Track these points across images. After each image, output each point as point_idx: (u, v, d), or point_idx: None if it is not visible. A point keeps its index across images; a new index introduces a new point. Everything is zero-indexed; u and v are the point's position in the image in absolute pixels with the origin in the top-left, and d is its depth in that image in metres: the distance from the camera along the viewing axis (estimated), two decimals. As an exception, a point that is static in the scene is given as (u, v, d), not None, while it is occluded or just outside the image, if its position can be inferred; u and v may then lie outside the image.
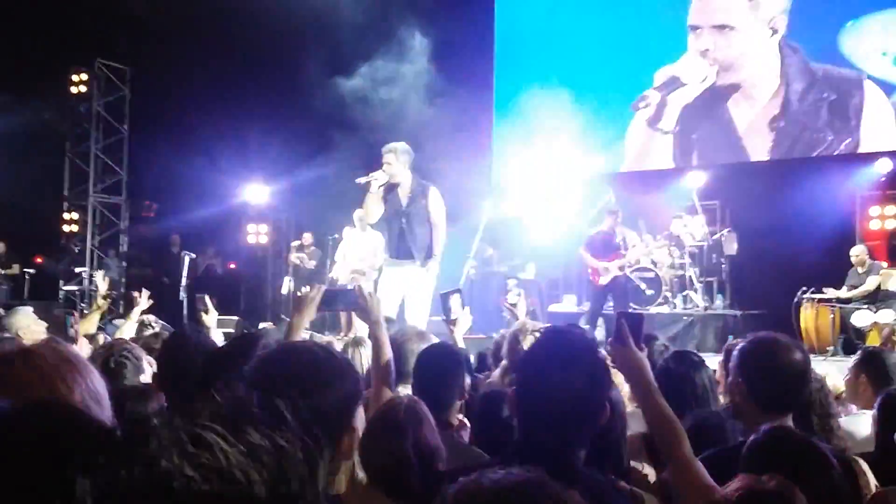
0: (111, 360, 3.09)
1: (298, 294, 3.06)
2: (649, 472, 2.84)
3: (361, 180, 6.67)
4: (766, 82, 11.11)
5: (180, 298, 11.09)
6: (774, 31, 10.95)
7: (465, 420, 3.19)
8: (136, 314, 5.14)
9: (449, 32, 11.12)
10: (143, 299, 5.23)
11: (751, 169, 11.37)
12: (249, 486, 0.50)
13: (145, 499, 0.48)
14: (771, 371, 2.39)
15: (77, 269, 14.50)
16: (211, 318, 4.26)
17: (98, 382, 1.30)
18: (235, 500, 0.49)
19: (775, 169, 11.19)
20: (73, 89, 14.88)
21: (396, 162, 6.63)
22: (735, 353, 2.55)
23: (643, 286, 10.26)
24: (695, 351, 3.96)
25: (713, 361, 3.98)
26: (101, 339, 4.99)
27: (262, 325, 7.18)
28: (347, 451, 1.54)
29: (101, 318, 5.92)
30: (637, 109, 12.06)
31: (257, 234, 14.69)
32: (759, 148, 11.26)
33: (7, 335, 4.36)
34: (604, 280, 9.46)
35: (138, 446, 0.50)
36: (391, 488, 2.21)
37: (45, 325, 4.93)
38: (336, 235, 11.11)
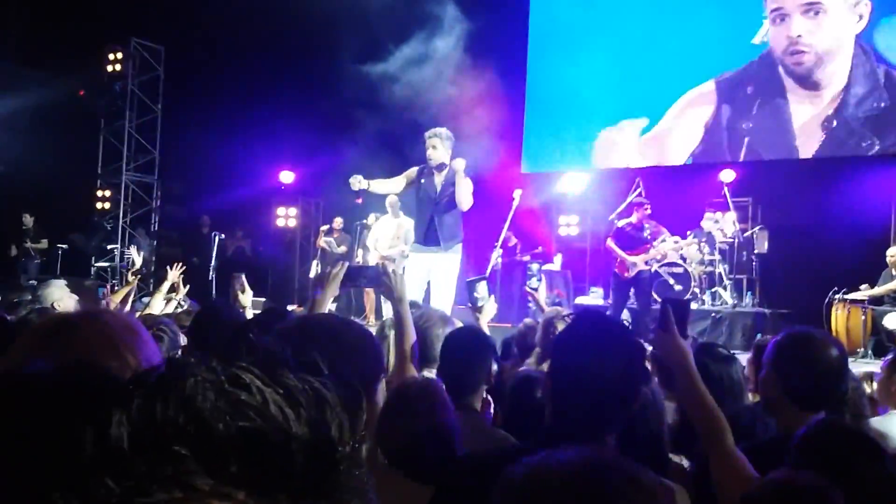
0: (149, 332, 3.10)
1: (320, 272, 3.03)
2: (682, 463, 2.82)
3: (354, 182, 6.59)
4: (835, 80, 10.87)
5: (209, 279, 11.22)
6: (860, 18, 10.69)
7: (490, 399, 3.17)
8: (165, 288, 5.19)
9: (482, 18, 11.06)
10: (175, 274, 5.28)
11: (784, 167, 11.22)
12: (287, 426, 0.49)
13: (182, 435, 0.47)
14: (806, 366, 2.34)
15: (109, 247, 14.68)
16: (247, 297, 4.29)
17: (155, 352, 1.30)
18: (273, 438, 0.48)
19: (810, 167, 11.03)
20: (109, 68, 15.05)
21: (441, 146, 6.60)
22: (769, 347, 2.50)
23: (672, 281, 10.17)
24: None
25: (741, 359, 3.93)
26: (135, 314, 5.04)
27: (290, 308, 7.19)
28: (368, 425, 1.52)
29: (130, 295, 5.99)
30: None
31: (286, 218, 14.76)
32: (806, 147, 11.08)
33: (41, 306, 4.43)
34: (630, 273, 9.39)
35: (174, 384, 0.49)
36: (407, 469, 2.20)
37: (77, 297, 5.01)
38: (364, 221, 11.14)
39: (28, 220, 13.71)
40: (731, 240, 10.85)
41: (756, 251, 10.74)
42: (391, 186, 6.92)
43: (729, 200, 10.88)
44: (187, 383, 0.50)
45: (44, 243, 13.82)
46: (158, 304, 4.94)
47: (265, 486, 0.48)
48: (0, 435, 0.56)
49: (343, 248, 12.20)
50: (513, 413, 3.01)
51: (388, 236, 10.23)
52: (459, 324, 3.52)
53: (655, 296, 9.58)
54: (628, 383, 1.75)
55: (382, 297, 9.76)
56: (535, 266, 11.55)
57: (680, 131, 11.97)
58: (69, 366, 0.75)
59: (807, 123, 11.01)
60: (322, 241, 12.43)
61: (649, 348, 3.64)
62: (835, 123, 10.80)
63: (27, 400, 0.61)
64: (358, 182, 6.49)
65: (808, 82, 11.03)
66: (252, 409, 0.49)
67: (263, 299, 11.59)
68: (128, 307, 5.36)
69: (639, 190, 11.27)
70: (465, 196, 6.59)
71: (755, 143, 11.41)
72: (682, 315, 2.19)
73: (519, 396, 3.04)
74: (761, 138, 11.36)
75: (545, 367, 3.60)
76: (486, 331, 3.59)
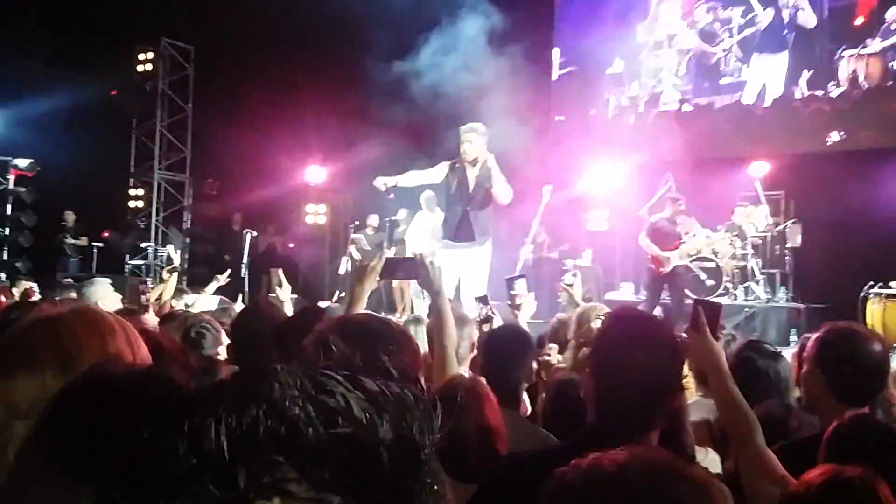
0: (192, 330, 3.17)
1: (359, 264, 3.03)
2: (715, 457, 2.82)
3: (379, 184, 6.65)
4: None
5: (241, 276, 11.33)
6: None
7: (525, 396, 3.18)
8: (211, 289, 5.27)
9: (508, 10, 11.03)
10: (223, 278, 5.40)
11: (817, 159, 11.09)
12: (375, 430, 0.50)
13: (279, 442, 0.48)
14: (851, 361, 2.34)
15: (143, 244, 14.89)
16: (284, 292, 4.34)
17: (138, 346, 1.24)
18: (363, 443, 0.49)
19: (843, 159, 10.89)
20: (139, 68, 15.22)
21: (477, 142, 6.59)
22: (812, 342, 2.49)
23: (703, 276, 10.09)
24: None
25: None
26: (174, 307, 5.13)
27: (329, 303, 7.25)
28: None
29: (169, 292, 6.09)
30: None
31: (316, 215, 14.85)
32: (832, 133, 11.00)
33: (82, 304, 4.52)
34: (665, 269, 9.34)
35: (263, 392, 0.50)
36: (451, 467, 2.20)
37: (120, 296, 5.10)
38: (393, 217, 11.19)
39: (70, 217, 13.96)
40: (764, 234, 10.74)
41: (789, 245, 10.62)
42: (424, 178, 6.90)
43: (761, 194, 10.77)
44: (275, 391, 0.51)
45: (83, 240, 14.08)
46: (205, 304, 5.02)
47: (357, 490, 0.49)
48: (101, 440, 0.57)
49: (378, 243, 12.24)
50: (554, 414, 3.01)
51: (424, 231, 10.28)
52: (473, 321, 3.53)
53: (688, 292, 9.53)
54: (671, 381, 1.75)
55: (414, 294, 9.82)
56: (569, 262, 11.52)
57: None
58: (143, 371, 0.77)
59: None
60: (352, 238, 12.48)
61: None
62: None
63: (123, 406, 0.61)
64: (383, 184, 6.54)
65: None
66: (341, 416, 0.50)
67: (295, 296, 11.68)
68: (167, 305, 5.45)
69: (669, 184, 11.20)
70: (504, 190, 6.60)
71: (781, 136, 11.33)
72: (713, 316, 2.18)
73: (560, 398, 3.05)
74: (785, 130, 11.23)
75: (580, 357, 3.62)
76: (526, 327, 3.60)
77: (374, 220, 12.58)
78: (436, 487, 0.54)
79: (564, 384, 3.03)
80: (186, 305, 5.38)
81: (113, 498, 0.49)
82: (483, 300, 4.02)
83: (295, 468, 0.48)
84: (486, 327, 3.84)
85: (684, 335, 2.26)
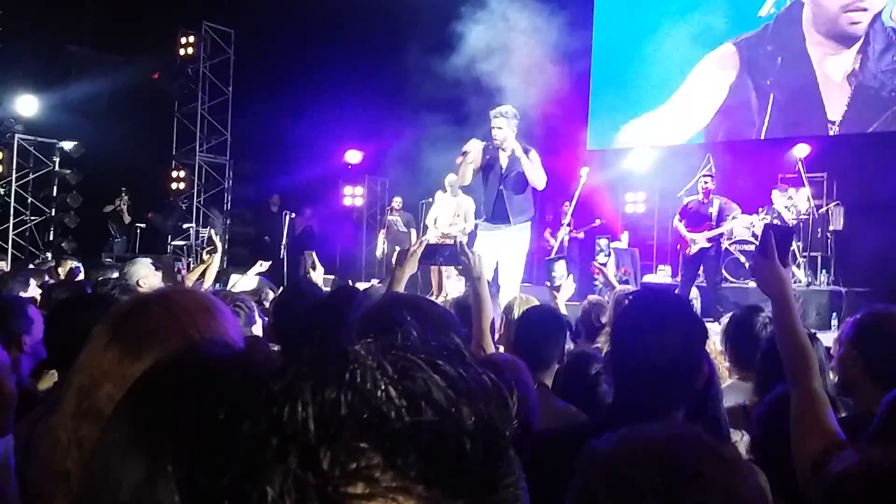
0: (227, 308, 3.23)
1: (401, 249, 3.07)
2: (747, 438, 2.81)
3: (459, 160, 6.67)
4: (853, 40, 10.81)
5: (280, 257, 11.48)
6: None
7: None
8: (253, 271, 5.38)
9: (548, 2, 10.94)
10: (266, 264, 5.51)
11: (860, 140, 10.87)
12: (458, 416, 0.48)
13: (361, 425, 0.47)
14: (890, 343, 2.31)
15: (184, 226, 15.14)
16: (318, 274, 4.40)
17: (236, 330, 1.26)
18: (446, 429, 0.48)
19: (886, 140, 10.66)
20: (181, 51, 15.39)
21: (507, 126, 6.60)
22: (849, 324, 2.47)
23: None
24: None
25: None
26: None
27: (371, 283, 7.33)
28: None
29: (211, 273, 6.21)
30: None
31: (353, 196, 14.95)
32: (835, 105, 10.89)
33: (128, 284, 4.63)
34: (691, 251, 9.24)
35: (344, 374, 0.49)
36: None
37: (161, 275, 5.22)
38: (429, 199, 11.22)
39: (125, 198, 14.36)
40: (806, 216, 10.58)
41: (831, 228, 10.45)
42: (471, 173, 6.90)
43: (803, 176, 10.60)
44: (357, 373, 0.49)
45: (127, 219, 14.43)
46: (245, 284, 5.12)
47: (441, 479, 0.47)
48: (185, 419, 0.55)
49: (409, 227, 12.31)
50: (568, 389, 3.04)
51: (447, 214, 10.29)
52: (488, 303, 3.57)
53: (726, 273, 9.43)
54: (689, 361, 1.74)
55: (445, 276, 9.86)
56: (603, 241, 11.47)
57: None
58: (238, 351, 0.76)
59: (829, 79, 10.93)
60: (388, 220, 12.56)
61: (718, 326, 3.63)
62: (861, 77, 10.67)
63: (211, 384, 0.59)
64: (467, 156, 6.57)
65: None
66: (424, 401, 0.49)
67: (332, 277, 11.82)
68: (207, 284, 5.55)
69: (708, 166, 11.07)
70: (535, 175, 6.58)
71: (792, 111, 11.19)
72: (784, 242, 2.08)
73: (574, 373, 3.07)
74: (795, 105, 11.20)
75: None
76: (564, 310, 3.62)
77: (397, 202, 12.61)
78: (515, 475, 0.52)
79: (578, 356, 3.06)
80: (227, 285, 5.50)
81: (193, 479, 0.49)
82: (549, 265, 4.06)
83: (380, 455, 0.47)
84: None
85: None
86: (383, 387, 0.48)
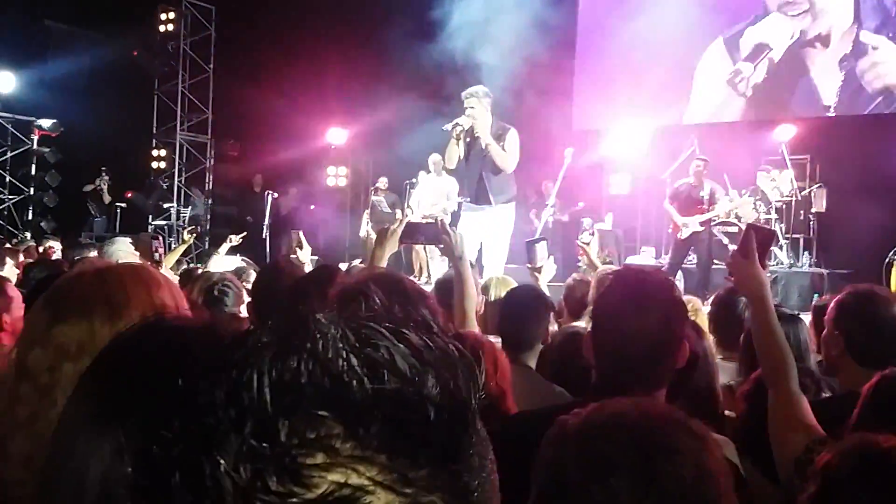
0: (214, 288, 3.21)
1: (381, 228, 3.03)
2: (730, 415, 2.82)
3: (447, 127, 6.62)
4: (840, 22, 10.85)
5: (263, 237, 11.41)
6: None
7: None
8: (224, 249, 5.31)
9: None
10: (236, 239, 5.42)
11: (843, 123, 10.92)
12: (421, 386, 0.47)
13: (324, 396, 0.46)
14: (870, 323, 2.32)
15: (165, 205, 15.01)
16: (305, 253, 4.36)
17: (182, 300, 1.29)
18: (409, 399, 0.47)
19: (870, 123, 10.72)
20: (161, 28, 15.20)
21: (479, 105, 6.57)
22: (832, 305, 2.48)
23: (726, 241, 10.02)
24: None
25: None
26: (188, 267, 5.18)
27: (353, 263, 7.30)
28: None
29: (186, 253, 6.14)
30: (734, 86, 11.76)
31: (336, 177, 14.87)
32: (828, 89, 10.94)
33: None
34: (683, 235, 9.27)
35: (306, 343, 0.48)
36: None
37: (139, 254, 5.16)
38: (413, 180, 11.17)
39: (105, 177, 14.22)
40: (789, 198, 10.63)
41: (814, 210, 10.51)
42: (456, 153, 6.85)
43: (786, 158, 10.63)
44: (319, 342, 0.48)
45: (107, 199, 14.29)
46: (217, 264, 5.06)
47: (404, 449, 0.46)
48: (144, 390, 0.54)
49: (392, 207, 12.27)
50: (559, 370, 3.03)
51: (430, 195, 10.25)
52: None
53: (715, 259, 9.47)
54: (670, 340, 1.73)
55: (429, 257, 9.85)
56: (587, 221, 11.48)
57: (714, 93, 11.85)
58: (195, 322, 0.75)
59: (825, 64, 11.02)
60: (372, 200, 12.51)
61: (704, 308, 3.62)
62: (853, 61, 10.74)
63: (169, 355, 0.58)
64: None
65: (814, 37, 11.08)
66: (386, 370, 0.47)
67: (316, 257, 11.76)
68: (165, 266, 5.48)
69: (693, 148, 11.07)
70: (500, 159, 6.57)
71: (784, 99, 11.24)
72: (765, 243, 2.11)
73: (565, 353, 3.06)
74: (789, 94, 11.30)
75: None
76: (546, 291, 3.61)
77: (383, 182, 12.57)
78: (481, 446, 0.51)
79: (570, 336, 3.05)
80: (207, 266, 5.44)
81: (150, 451, 0.47)
82: (529, 246, 4.05)
83: (340, 424, 0.46)
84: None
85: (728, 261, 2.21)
86: (345, 356, 0.47)
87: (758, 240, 2.10)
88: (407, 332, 0.50)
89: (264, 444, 0.45)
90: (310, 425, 0.45)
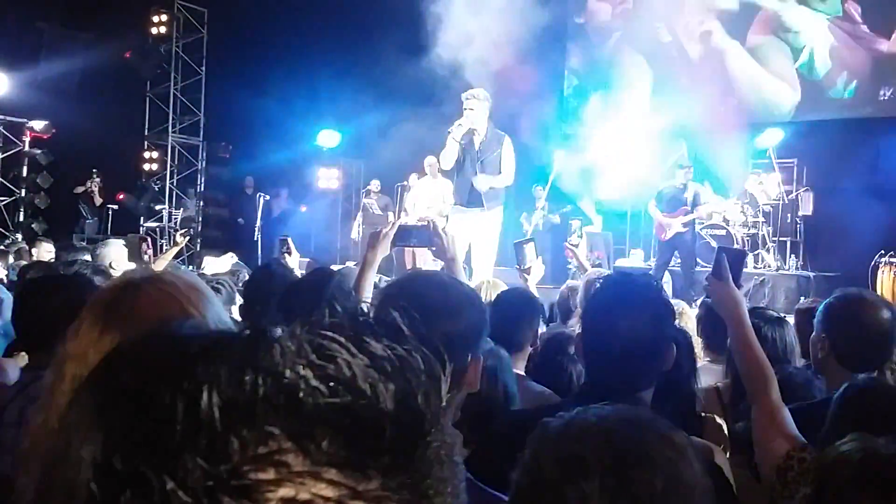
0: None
1: (373, 231, 3.04)
2: (721, 423, 2.85)
3: (452, 129, 6.65)
4: None
5: (254, 239, 11.40)
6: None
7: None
8: (170, 255, 5.32)
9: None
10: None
11: (830, 127, 11.00)
12: (376, 399, 0.47)
13: (275, 411, 0.45)
14: (857, 327, 2.35)
15: (157, 207, 14.98)
16: (293, 259, 4.37)
17: (221, 311, 1.28)
18: (363, 413, 0.46)
19: (856, 127, 10.80)
20: (153, 30, 15.16)
21: (479, 108, 6.60)
22: (820, 308, 2.50)
23: (713, 244, 10.09)
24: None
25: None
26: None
27: (346, 265, 7.32)
28: (473, 381, 1.52)
29: (178, 255, 6.13)
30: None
31: (328, 179, 14.86)
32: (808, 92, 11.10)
33: (100, 265, 4.59)
34: (666, 236, 9.34)
35: (261, 354, 0.47)
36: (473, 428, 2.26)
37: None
38: (404, 182, 11.19)
39: (96, 179, 14.15)
40: (776, 202, 10.71)
41: (801, 213, 10.59)
42: (453, 155, 6.88)
43: (774, 162, 10.71)
44: (275, 353, 0.48)
45: (98, 201, 14.25)
46: (217, 266, 5.06)
47: (356, 463, 0.46)
48: (121, 403, 0.52)
49: (384, 209, 12.28)
50: (542, 371, 3.06)
51: (426, 197, 10.27)
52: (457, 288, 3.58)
53: (698, 258, 9.53)
54: (657, 342, 1.78)
55: (419, 258, 9.85)
56: (576, 223, 11.52)
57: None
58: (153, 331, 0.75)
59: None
60: (364, 203, 12.51)
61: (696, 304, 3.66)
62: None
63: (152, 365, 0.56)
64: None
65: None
66: (341, 384, 0.47)
67: (308, 259, 11.76)
68: (158, 267, 5.49)
69: (681, 151, 11.14)
70: (500, 182, 6.70)
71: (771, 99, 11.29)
72: (737, 263, 2.16)
73: (549, 355, 3.09)
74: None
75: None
76: (535, 293, 3.64)
77: (375, 185, 12.58)
78: (442, 454, 0.50)
79: (553, 339, 3.08)
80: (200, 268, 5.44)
81: (111, 464, 0.47)
82: (518, 248, 4.07)
83: (291, 439, 0.45)
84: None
85: (705, 282, 2.27)
86: (301, 370, 0.47)
87: (729, 260, 2.15)
88: (369, 340, 0.50)
89: (215, 461, 0.44)
90: (260, 441, 0.45)
